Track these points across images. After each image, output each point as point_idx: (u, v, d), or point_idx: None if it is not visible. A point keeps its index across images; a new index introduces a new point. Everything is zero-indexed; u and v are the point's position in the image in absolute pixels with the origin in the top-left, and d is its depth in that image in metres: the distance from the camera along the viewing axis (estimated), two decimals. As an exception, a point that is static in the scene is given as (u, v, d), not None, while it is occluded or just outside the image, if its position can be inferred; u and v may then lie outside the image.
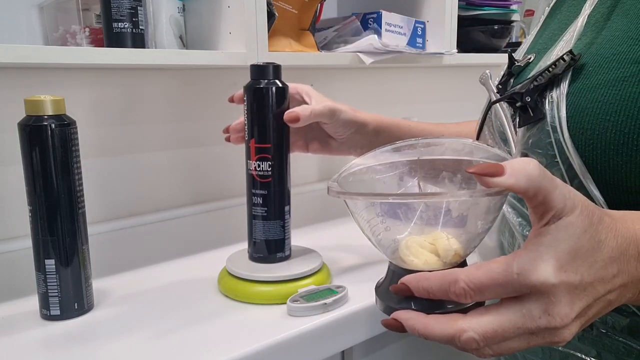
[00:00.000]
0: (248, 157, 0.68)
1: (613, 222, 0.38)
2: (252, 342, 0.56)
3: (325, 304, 0.62)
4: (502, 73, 0.57)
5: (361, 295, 0.66)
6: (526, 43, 0.59)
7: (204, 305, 0.65)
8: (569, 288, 0.36)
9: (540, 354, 0.53)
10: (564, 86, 0.47)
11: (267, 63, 0.66)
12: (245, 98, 0.67)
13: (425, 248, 0.43)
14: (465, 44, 1.26)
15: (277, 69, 0.66)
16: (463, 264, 0.44)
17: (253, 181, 0.68)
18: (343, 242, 0.83)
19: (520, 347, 0.37)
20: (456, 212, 0.43)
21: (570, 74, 0.47)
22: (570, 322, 0.37)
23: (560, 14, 0.56)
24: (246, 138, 0.68)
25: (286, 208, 0.69)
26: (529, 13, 1.62)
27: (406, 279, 0.40)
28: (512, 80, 0.55)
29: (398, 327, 0.40)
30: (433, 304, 0.40)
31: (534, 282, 0.35)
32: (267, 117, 0.66)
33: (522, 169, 0.35)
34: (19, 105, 0.62)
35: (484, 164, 0.36)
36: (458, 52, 1.19)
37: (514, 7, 1.30)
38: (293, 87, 0.71)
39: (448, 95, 1.55)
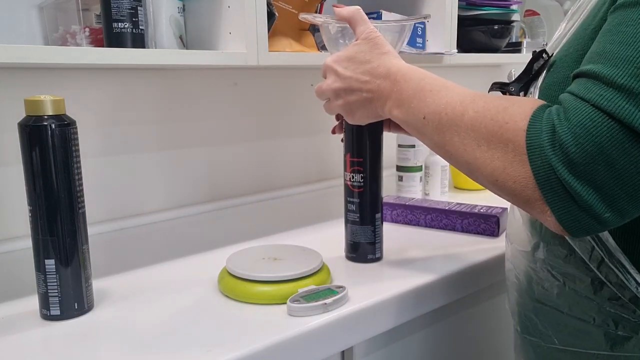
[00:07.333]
0: (345, 169, 0.76)
1: (388, 57, 0.61)
2: (252, 342, 0.56)
3: (325, 304, 0.62)
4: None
5: (361, 295, 0.66)
6: (554, 37, 0.64)
7: (204, 305, 0.65)
8: (336, 72, 0.63)
9: (532, 308, 0.59)
10: (540, 80, 0.55)
11: None
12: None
13: None
14: (465, 44, 1.26)
15: None
16: None
17: (348, 190, 0.76)
18: (343, 242, 0.83)
19: (331, 102, 0.66)
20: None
21: (546, 70, 0.55)
22: (333, 92, 0.63)
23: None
24: (344, 152, 0.76)
25: (377, 215, 0.76)
26: (529, 13, 1.62)
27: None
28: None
29: None
30: None
31: (324, 62, 0.65)
32: (363, 135, 0.74)
33: (351, 8, 0.65)
34: (19, 105, 0.62)
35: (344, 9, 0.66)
36: (458, 52, 1.18)
37: (514, 7, 1.30)
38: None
39: (448, 95, 1.54)
